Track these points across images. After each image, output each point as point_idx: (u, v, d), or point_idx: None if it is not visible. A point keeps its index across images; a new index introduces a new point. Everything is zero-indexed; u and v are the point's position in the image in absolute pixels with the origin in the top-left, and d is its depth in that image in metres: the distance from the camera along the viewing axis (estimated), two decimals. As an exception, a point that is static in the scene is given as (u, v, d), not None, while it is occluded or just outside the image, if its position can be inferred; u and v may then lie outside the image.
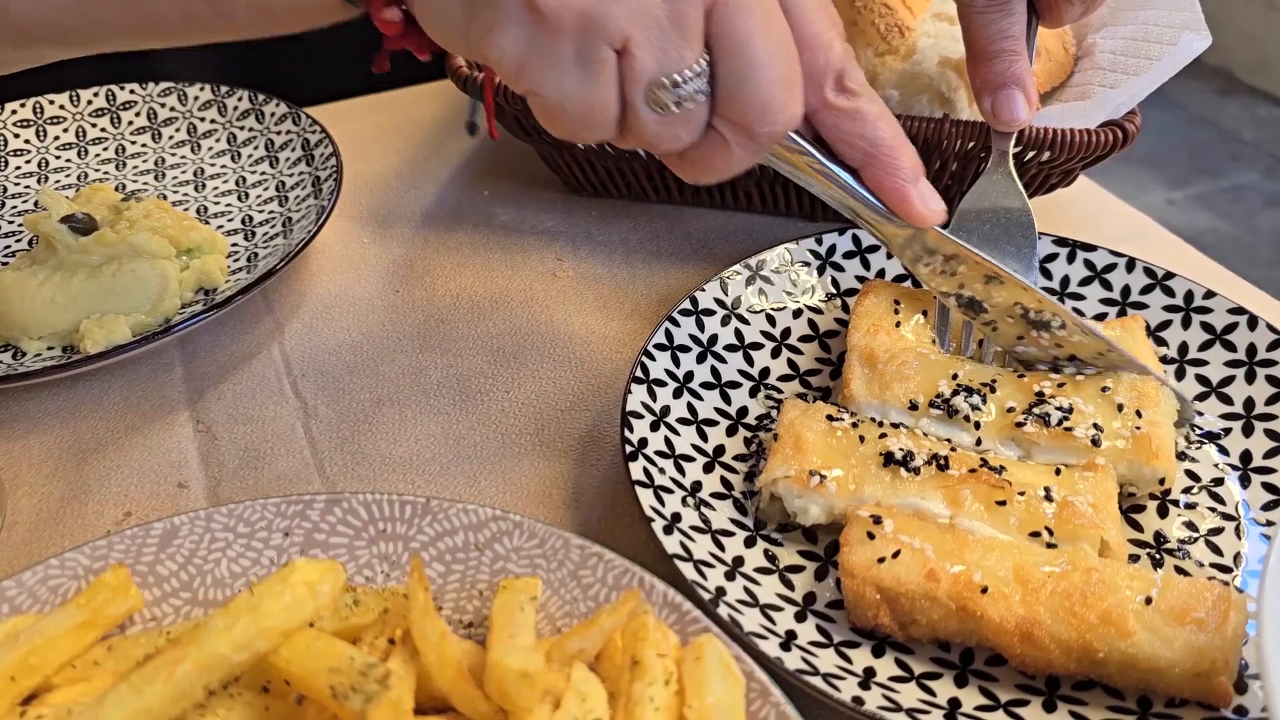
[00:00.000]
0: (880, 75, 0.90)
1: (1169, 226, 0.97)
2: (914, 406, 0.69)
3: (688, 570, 0.59)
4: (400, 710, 0.46)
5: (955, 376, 0.71)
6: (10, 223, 0.95)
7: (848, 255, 0.83)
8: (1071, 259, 0.82)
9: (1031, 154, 0.80)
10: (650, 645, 0.52)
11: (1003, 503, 0.63)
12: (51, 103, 1.04)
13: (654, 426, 0.69)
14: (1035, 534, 0.62)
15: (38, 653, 0.53)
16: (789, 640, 0.58)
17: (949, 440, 0.68)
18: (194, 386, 0.79)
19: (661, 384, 0.72)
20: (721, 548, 0.63)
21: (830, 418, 0.68)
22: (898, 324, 0.75)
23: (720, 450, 0.71)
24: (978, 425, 0.68)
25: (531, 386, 0.79)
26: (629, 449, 0.66)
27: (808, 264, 0.82)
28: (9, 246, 0.92)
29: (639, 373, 0.71)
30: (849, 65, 0.61)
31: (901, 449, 0.65)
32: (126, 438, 0.75)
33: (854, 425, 0.67)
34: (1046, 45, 0.90)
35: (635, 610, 0.54)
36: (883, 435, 0.67)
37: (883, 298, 0.77)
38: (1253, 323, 0.75)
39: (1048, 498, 0.63)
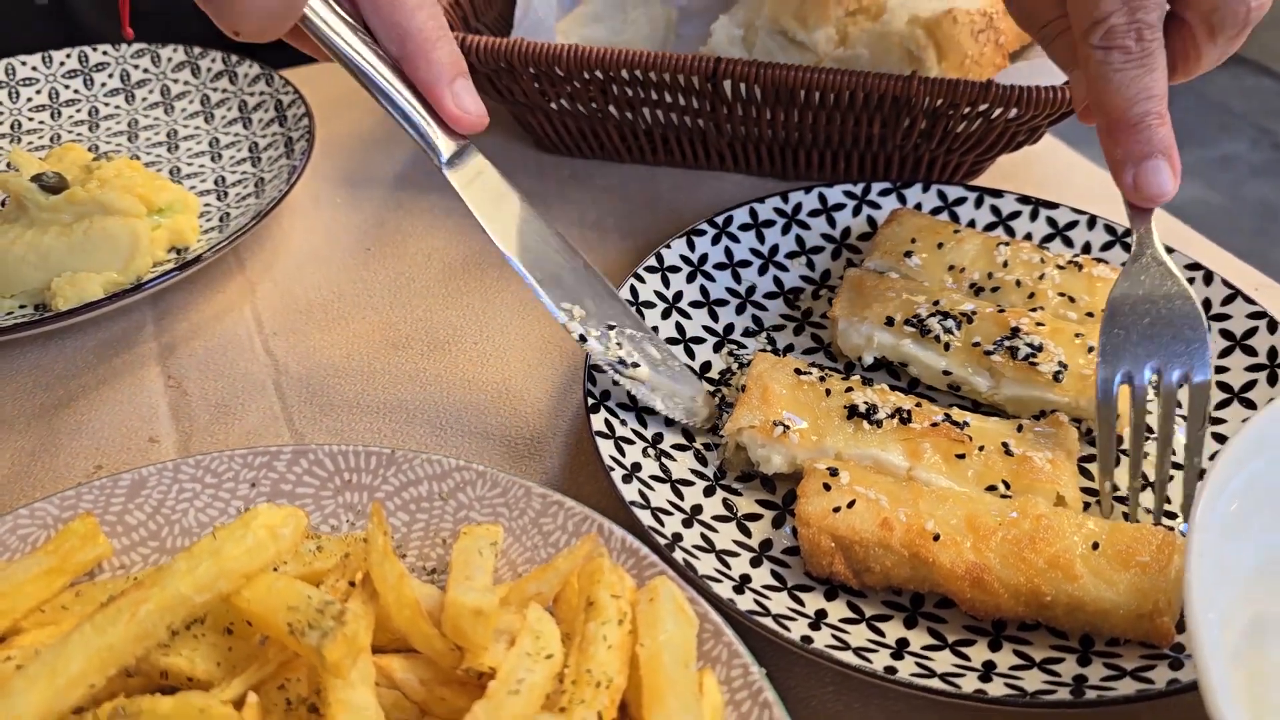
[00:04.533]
0: (850, 34, 0.91)
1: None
2: (890, 323, 0.71)
3: (645, 517, 0.60)
4: (355, 645, 0.47)
5: (937, 303, 0.72)
6: (-15, 190, 0.95)
7: (813, 213, 0.84)
8: (1035, 216, 0.83)
9: (999, 111, 0.81)
10: (605, 587, 0.53)
11: (962, 456, 0.64)
12: (24, 64, 1.04)
13: (616, 382, 0.70)
14: (992, 487, 0.63)
15: (6, 598, 0.54)
16: (743, 584, 0.59)
17: (912, 391, 0.70)
18: (165, 343, 0.80)
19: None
20: (680, 496, 0.64)
21: (798, 371, 0.69)
22: (908, 253, 0.77)
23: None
24: (947, 347, 0.70)
25: (499, 340, 0.80)
26: (591, 401, 0.67)
27: (773, 222, 0.83)
28: (-18, 207, 0.92)
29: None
30: None
31: (866, 402, 0.66)
32: (98, 393, 0.76)
33: (821, 379, 0.68)
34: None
35: (591, 554, 0.55)
36: (849, 389, 0.68)
37: (906, 226, 0.80)
38: (1209, 278, 0.76)
39: (1007, 452, 0.64)
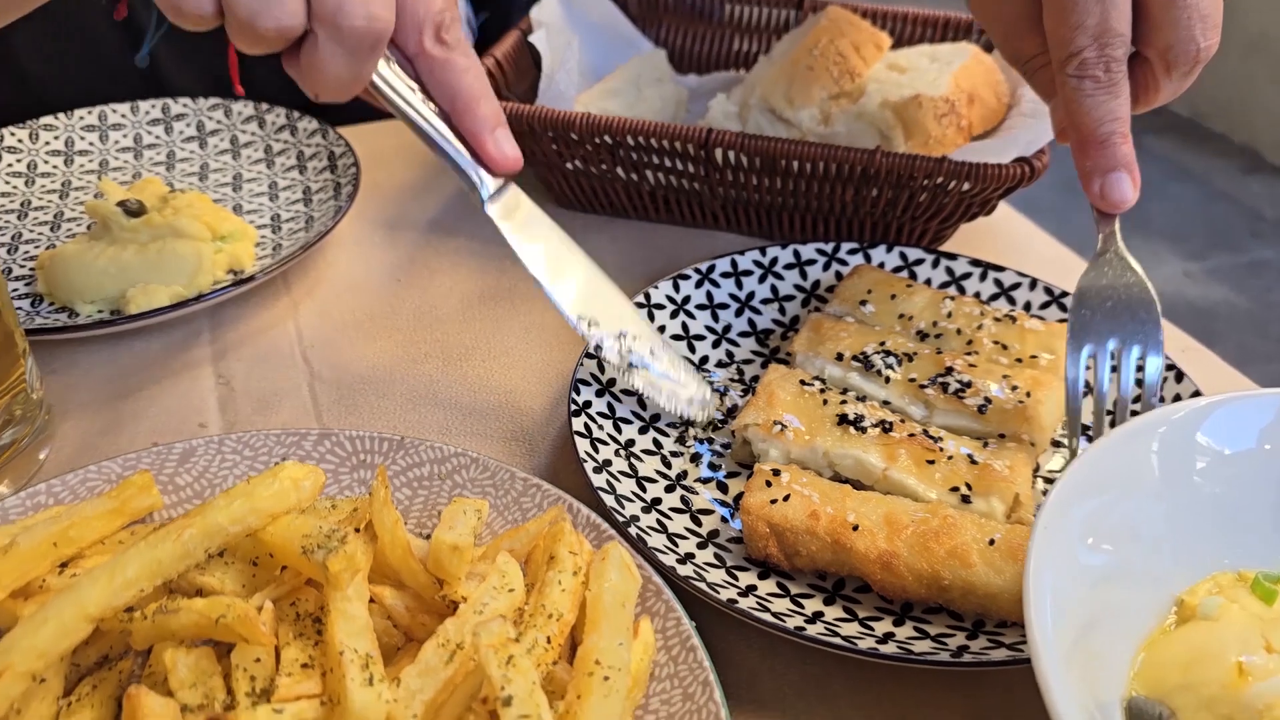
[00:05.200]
0: (832, 114, 1.03)
1: (1184, 298, 1.09)
2: (839, 358, 0.82)
3: (608, 500, 0.71)
4: (354, 563, 0.58)
5: (883, 344, 0.83)
6: (74, 209, 1.09)
7: (788, 266, 0.95)
8: (984, 277, 0.94)
9: (953, 183, 0.92)
10: (565, 545, 0.63)
11: (932, 461, 0.74)
12: (115, 111, 1.19)
13: (599, 394, 0.81)
14: (955, 489, 0.73)
15: (75, 528, 0.66)
16: (686, 559, 0.69)
17: (888, 405, 0.81)
18: (218, 348, 0.93)
19: (610, 361, 0.84)
20: (643, 489, 0.75)
21: (803, 382, 0.80)
22: (863, 302, 0.89)
23: (655, 418, 0.83)
24: (888, 380, 0.80)
25: (505, 360, 0.92)
26: (574, 407, 0.78)
27: (751, 271, 0.94)
28: (71, 230, 1.06)
29: (591, 348, 0.84)
30: (448, 20, 0.70)
31: (855, 413, 0.77)
32: (158, 386, 0.88)
33: (821, 391, 0.79)
34: (981, 94, 1.03)
35: (557, 519, 0.65)
36: (843, 402, 0.79)
37: (865, 279, 0.91)
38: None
39: (971, 461, 0.74)
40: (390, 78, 0.71)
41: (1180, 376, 0.81)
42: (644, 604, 0.64)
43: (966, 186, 0.92)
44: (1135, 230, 4.16)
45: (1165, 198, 4.41)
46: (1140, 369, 0.73)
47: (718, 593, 0.65)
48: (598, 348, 0.79)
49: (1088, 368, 0.74)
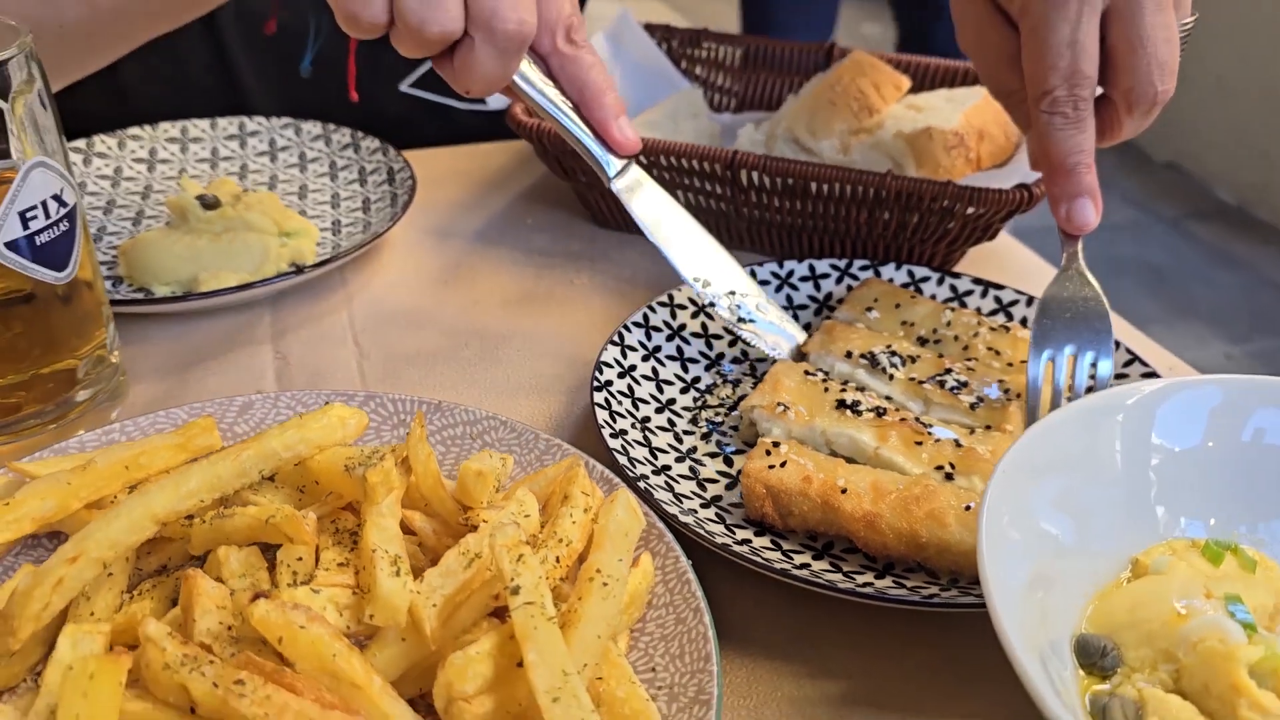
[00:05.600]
0: (850, 144, 1.12)
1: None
2: (849, 355, 0.89)
3: (621, 459, 0.78)
4: (389, 480, 0.65)
5: (890, 347, 0.90)
6: (154, 209, 1.20)
7: (803, 279, 1.03)
8: (984, 294, 1.01)
9: (957, 206, 1.00)
10: (579, 487, 0.71)
11: (920, 443, 0.81)
12: (196, 126, 1.30)
13: (620, 376, 0.89)
14: (940, 467, 0.79)
15: (144, 455, 0.74)
16: (688, 512, 0.76)
17: (889, 399, 0.88)
18: (278, 330, 1.02)
19: (633, 349, 0.92)
20: (655, 457, 0.82)
21: (807, 372, 0.87)
22: (869, 309, 0.97)
23: (672, 402, 0.90)
24: (891, 377, 0.87)
25: (538, 349, 1.00)
26: (596, 384, 0.86)
27: (768, 282, 1.02)
28: (150, 225, 1.17)
29: (614, 338, 0.91)
30: (576, 22, 0.81)
31: (853, 399, 0.84)
32: (222, 357, 0.97)
33: (823, 380, 0.86)
34: (990, 131, 1.11)
35: (573, 465, 0.73)
36: (842, 389, 0.86)
37: (872, 290, 0.99)
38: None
39: (957, 445, 0.81)
40: (528, 73, 0.82)
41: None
42: (646, 544, 0.71)
43: (970, 210, 1.00)
44: (1178, 314, 4.19)
45: (1210, 283, 4.43)
46: (1093, 375, 0.81)
47: (713, 537, 0.72)
48: (711, 304, 0.91)
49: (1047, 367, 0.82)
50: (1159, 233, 4.57)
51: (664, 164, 1.07)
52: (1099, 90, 0.81)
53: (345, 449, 0.70)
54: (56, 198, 0.80)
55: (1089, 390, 0.80)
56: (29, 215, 0.78)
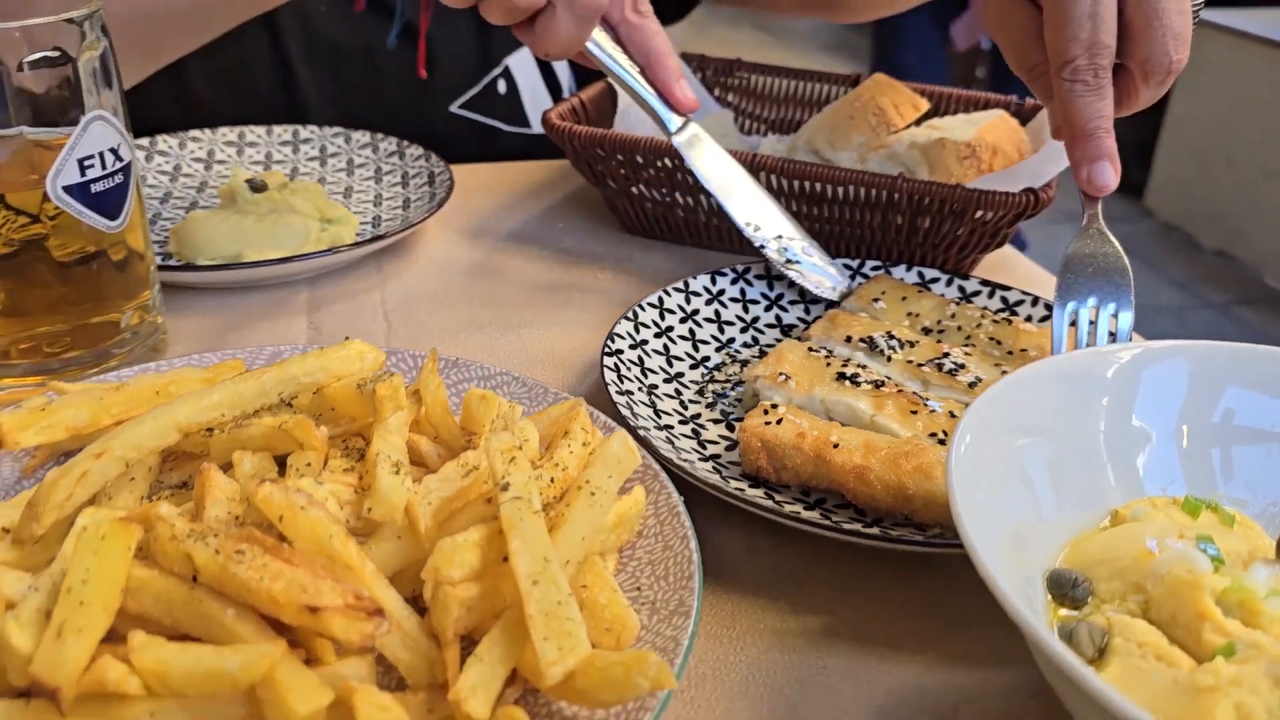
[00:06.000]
0: (868, 159, 1.16)
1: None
2: (848, 340, 0.92)
3: (625, 414, 0.81)
4: (397, 392, 0.69)
5: (889, 332, 0.93)
6: (207, 201, 1.27)
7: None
8: (991, 295, 1.03)
9: (965, 208, 1.03)
10: (579, 424, 0.74)
11: (915, 412, 0.83)
12: (253, 131, 1.38)
13: (631, 347, 0.93)
14: (933, 434, 0.81)
15: (175, 383, 0.78)
16: (685, 460, 0.79)
17: (888, 378, 0.90)
18: (313, 303, 1.07)
19: (645, 326, 0.96)
20: (659, 417, 0.85)
21: (810, 349, 0.90)
22: (876, 300, 1.00)
23: (680, 375, 0.93)
24: (889, 359, 0.90)
25: (557, 330, 1.04)
26: (607, 350, 0.90)
27: (782, 277, 1.06)
28: (202, 215, 1.23)
29: (629, 314, 0.95)
30: None
31: (852, 372, 0.87)
32: (258, 326, 1.03)
33: (825, 356, 0.90)
34: (1004, 148, 1.14)
35: (575, 405, 0.76)
36: (844, 365, 0.88)
37: (880, 284, 1.03)
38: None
39: (952, 415, 0.83)
40: (599, 39, 0.91)
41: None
42: (641, 482, 0.74)
43: (979, 213, 1.03)
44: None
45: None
46: (1113, 331, 0.85)
47: (703, 478, 0.75)
48: (761, 246, 0.98)
49: (1071, 322, 0.85)
50: (1206, 317, 4.55)
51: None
52: (1116, 62, 0.85)
53: (359, 379, 0.74)
54: (114, 151, 0.86)
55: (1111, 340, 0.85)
56: (86, 163, 0.84)
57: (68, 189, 0.83)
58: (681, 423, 0.87)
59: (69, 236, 0.87)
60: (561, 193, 1.37)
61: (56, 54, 0.81)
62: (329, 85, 1.46)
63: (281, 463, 0.70)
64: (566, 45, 0.86)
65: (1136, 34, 0.82)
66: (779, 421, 0.80)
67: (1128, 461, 0.72)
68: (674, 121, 0.96)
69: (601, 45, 0.91)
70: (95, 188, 0.85)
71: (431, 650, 0.59)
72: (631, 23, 0.91)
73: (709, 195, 1.00)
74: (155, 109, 1.37)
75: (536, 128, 1.60)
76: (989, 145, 1.11)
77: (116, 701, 0.53)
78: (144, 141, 1.32)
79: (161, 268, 1.02)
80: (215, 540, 0.58)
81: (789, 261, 0.98)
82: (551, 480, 0.68)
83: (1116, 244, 0.87)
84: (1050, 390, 0.71)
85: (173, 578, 0.58)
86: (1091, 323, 0.85)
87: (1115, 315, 0.85)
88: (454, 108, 1.53)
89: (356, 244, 1.08)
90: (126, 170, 0.88)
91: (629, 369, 0.90)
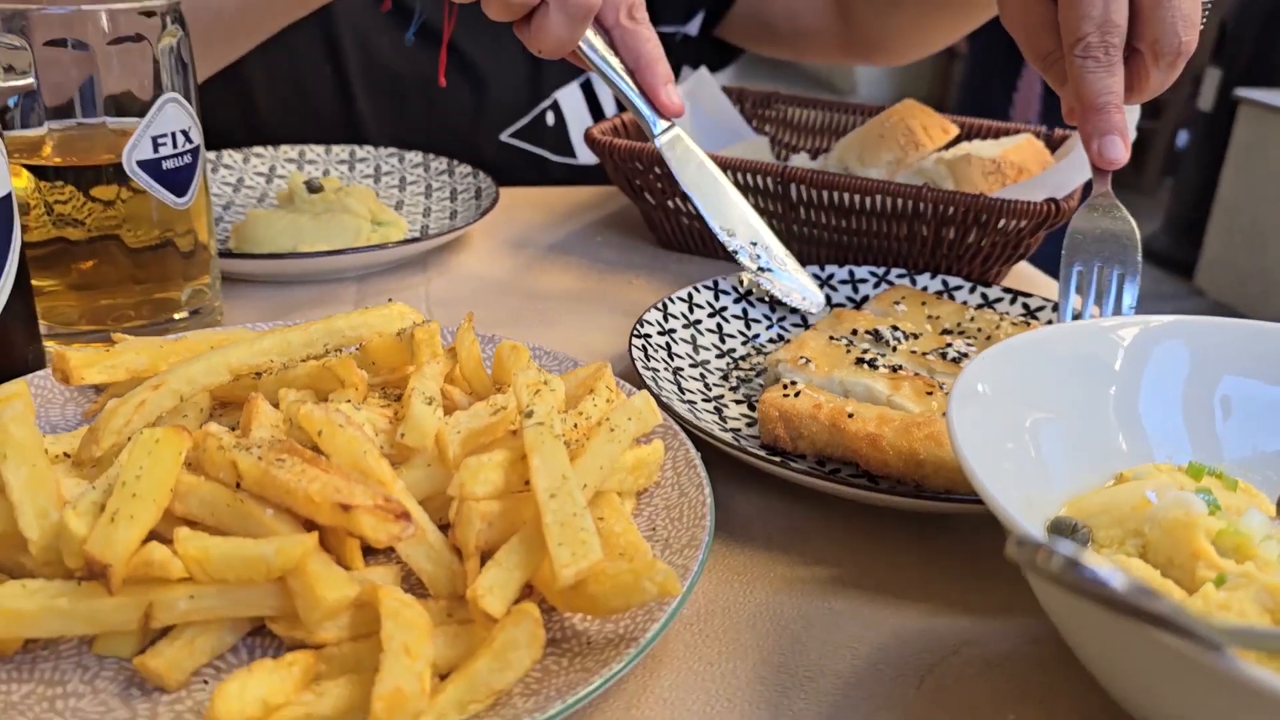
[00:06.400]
0: (896, 175, 1.20)
1: None
2: (854, 332, 0.95)
3: (649, 382, 0.85)
4: (434, 341, 0.74)
5: (895, 327, 0.96)
6: (267, 209, 1.34)
7: (842, 282, 1.10)
8: (1013, 301, 1.06)
9: (987, 217, 1.07)
10: (604, 382, 0.78)
11: (930, 393, 0.86)
12: (312, 149, 1.46)
13: (660, 334, 0.97)
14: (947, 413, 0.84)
15: (229, 339, 0.84)
16: (705, 424, 0.82)
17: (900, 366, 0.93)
18: (361, 298, 1.12)
19: (674, 318, 1.00)
20: (683, 394, 0.89)
21: (831, 337, 0.94)
22: (897, 303, 1.03)
23: (705, 362, 0.97)
24: (894, 349, 0.93)
25: (592, 325, 1.08)
26: (635, 334, 0.94)
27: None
28: (261, 220, 1.30)
29: (658, 305, 0.99)
30: (638, 1, 0.94)
31: (871, 357, 0.90)
32: (309, 312, 1.08)
33: (846, 344, 0.93)
34: (1029, 168, 1.18)
35: (602, 368, 0.80)
36: (864, 350, 0.92)
37: (902, 290, 1.06)
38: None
39: None
40: (593, 41, 0.95)
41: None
42: (661, 439, 0.77)
43: (1001, 223, 1.07)
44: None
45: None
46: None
47: (721, 438, 0.78)
48: (735, 252, 0.99)
49: (1077, 289, 0.89)
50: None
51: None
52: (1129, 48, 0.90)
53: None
54: (184, 133, 0.93)
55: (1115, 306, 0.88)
56: (159, 141, 0.90)
57: (141, 164, 0.90)
58: (704, 400, 0.90)
59: (141, 223, 0.93)
60: (603, 212, 1.42)
61: (137, 39, 0.88)
62: (386, 112, 1.54)
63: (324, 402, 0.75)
64: (559, 43, 0.90)
65: (1146, 15, 0.86)
66: (797, 395, 0.83)
67: (1137, 431, 0.74)
68: (658, 124, 0.99)
69: (595, 46, 0.95)
70: (166, 164, 0.92)
71: (454, 563, 0.63)
72: (625, 27, 0.95)
73: (664, 198, 1.01)
74: (223, 127, 1.45)
75: (582, 158, 1.66)
76: (1014, 163, 1.15)
77: (160, 585, 0.57)
78: (210, 155, 1.40)
79: (220, 254, 1.08)
80: (259, 450, 0.62)
81: (762, 269, 1.00)
82: (575, 425, 0.72)
83: (1126, 213, 0.91)
84: (1053, 363, 0.73)
85: (218, 483, 0.62)
86: (1098, 292, 0.88)
87: (1122, 278, 0.88)
88: (504, 136, 1.60)
89: (404, 241, 1.14)
90: (195, 153, 0.95)
91: (656, 351, 0.94)
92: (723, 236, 0.99)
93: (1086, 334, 0.75)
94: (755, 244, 1.00)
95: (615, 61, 0.95)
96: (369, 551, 0.65)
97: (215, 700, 0.49)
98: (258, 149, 1.44)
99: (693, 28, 1.67)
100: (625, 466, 0.70)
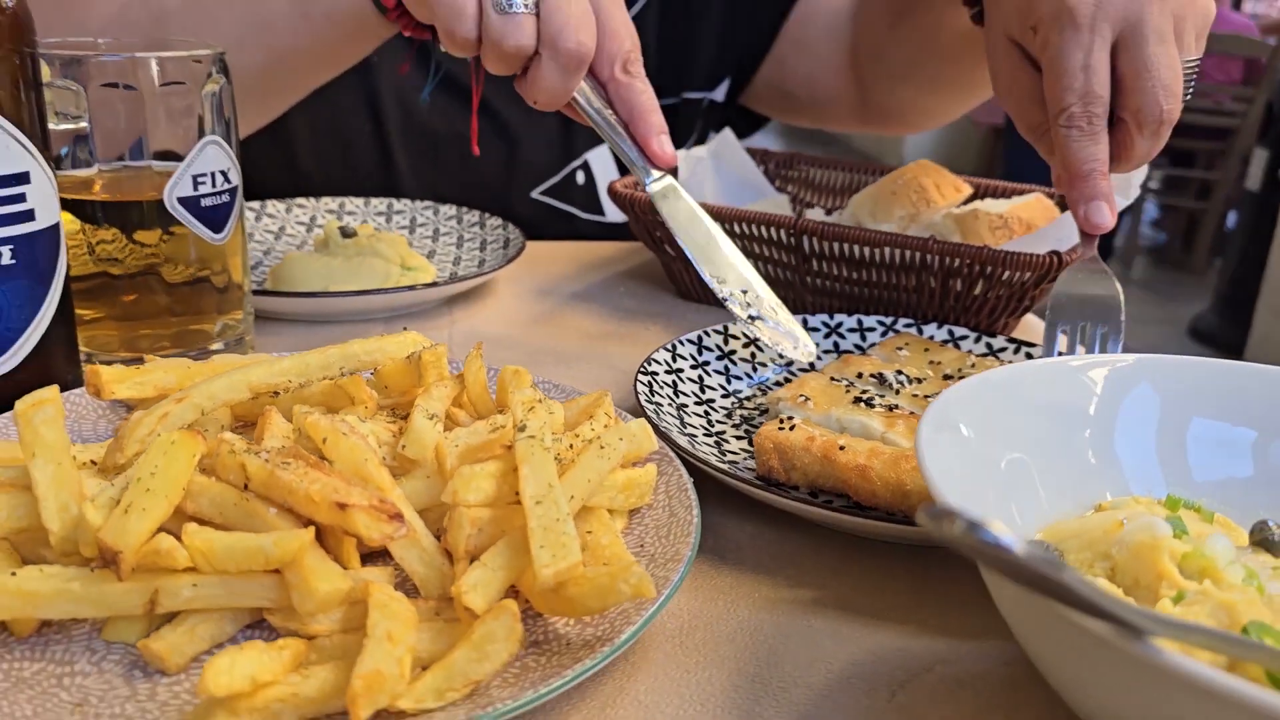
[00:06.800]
0: (908, 230, 1.24)
1: None
2: (859, 375, 0.98)
3: (650, 411, 0.88)
4: (441, 361, 0.78)
5: (900, 371, 0.99)
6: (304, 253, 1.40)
7: (850, 330, 1.13)
8: (1017, 351, 1.09)
9: (990, 268, 1.10)
10: (603, 409, 0.81)
11: None
12: (351, 202, 1.53)
13: (667, 373, 1.00)
14: None
15: (254, 364, 0.89)
16: (701, 452, 0.85)
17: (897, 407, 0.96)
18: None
19: (683, 359, 1.04)
20: (684, 428, 0.92)
21: (833, 378, 0.97)
22: (900, 348, 1.05)
23: (710, 401, 1.00)
24: (897, 391, 0.95)
25: (606, 366, 1.12)
26: (642, 370, 0.97)
27: (818, 329, 1.13)
28: (299, 265, 1.37)
29: (667, 346, 1.03)
30: (634, 55, 0.96)
31: (869, 397, 0.93)
32: (335, 348, 1.13)
33: (847, 385, 0.96)
34: (1037, 224, 1.21)
35: (602, 397, 0.83)
36: (863, 392, 0.94)
37: (905, 337, 1.08)
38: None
39: None
40: (587, 92, 0.99)
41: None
42: (657, 466, 0.80)
43: (1005, 274, 1.09)
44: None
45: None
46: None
47: (712, 465, 0.81)
48: (725, 299, 0.99)
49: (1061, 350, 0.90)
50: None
51: (735, 231, 1.21)
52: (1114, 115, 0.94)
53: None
54: (223, 173, 0.99)
55: None
56: (199, 179, 0.97)
57: (182, 200, 0.96)
58: (705, 435, 0.93)
59: (179, 261, 0.99)
60: (626, 265, 1.47)
61: (183, 84, 0.95)
62: (423, 167, 1.61)
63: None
64: (553, 94, 0.94)
65: (1129, 85, 0.89)
66: (792, 428, 0.86)
67: (1113, 467, 0.76)
68: (650, 174, 1.00)
69: (590, 99, 0.98)
70: (205, 202, 0.98)
71: (445, 567, 0.66)
72: (620, 81, 0.97)
73: (679, 248, 1.02)
74: (264, 176, 1.52)
75: (610, 216, 1.72)
76: (1022, 219, 1.18)
77: (166, 574, 0.61)
78: (254, 205, 1.48)
79: (254, 292, 1.14)
80: (267, 454, 0.66)
81: (752, 318, 1.00)
82: (570, 446, 0.75)
83: (1112, 276, 0.93)
84: (1025, 403, 0.75)
85: (227, 485, 0.66)
86: (1082, 344, 0.90)
87: (1105, 338, 0.91)
88: (535, 193, 1.66)
89: (431, 285, 1.19)
90: (233, 193, 1.01)
91: (661, 388, 0.97)
92: (713, 284, 0.99)
93: (1056, 374, 0.77)
94: (746, 292, 1.01)
95: (609, 114, 0.98)
96: (366, 557, 0.68)
97: (206, 672, 0.52)
98: (300, 200, 1.51)
99: (719, 94, 1.73)
100: (615, 485, 0.73)
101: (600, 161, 1.70)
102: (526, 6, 0.91)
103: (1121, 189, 1.11)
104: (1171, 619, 0.48)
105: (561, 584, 0.62)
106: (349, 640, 0.60)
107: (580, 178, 1.69)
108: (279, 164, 1.54)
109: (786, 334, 1.00)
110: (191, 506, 0.65)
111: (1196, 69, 0.94)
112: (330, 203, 1.53)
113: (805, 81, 1.69)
